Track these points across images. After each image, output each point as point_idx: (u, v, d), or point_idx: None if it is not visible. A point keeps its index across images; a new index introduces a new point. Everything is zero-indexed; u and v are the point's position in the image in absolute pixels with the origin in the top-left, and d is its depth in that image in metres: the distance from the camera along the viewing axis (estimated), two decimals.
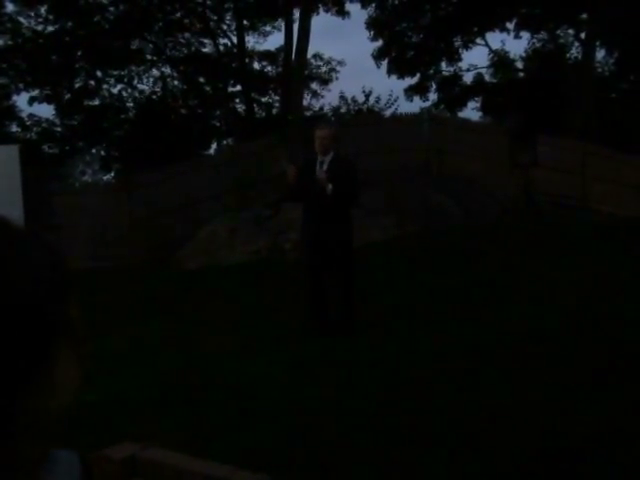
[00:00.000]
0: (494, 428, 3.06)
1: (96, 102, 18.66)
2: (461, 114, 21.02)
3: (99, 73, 18.20)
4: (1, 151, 10.57)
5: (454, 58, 20.76)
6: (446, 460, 2.78)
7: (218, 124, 20.47)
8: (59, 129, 18.25)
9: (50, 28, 16.83)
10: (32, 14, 16.63)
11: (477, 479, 2.64)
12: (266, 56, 20.44)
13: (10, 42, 16.37)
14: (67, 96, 17.89)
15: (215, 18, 18.75)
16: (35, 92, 17.31)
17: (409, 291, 6.10)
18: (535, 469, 2.68)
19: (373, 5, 19.02)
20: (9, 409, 0.50)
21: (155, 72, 19.47)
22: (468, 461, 2.76)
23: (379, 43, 20.28)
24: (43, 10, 16.64)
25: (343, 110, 19.54)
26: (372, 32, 19.91)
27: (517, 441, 2.92)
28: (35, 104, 17.46)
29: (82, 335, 0.55)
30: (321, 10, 18.31)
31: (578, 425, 3.03)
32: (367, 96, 18.95)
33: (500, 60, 20.99)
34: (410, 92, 21.19)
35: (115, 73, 18.52)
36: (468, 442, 2.94)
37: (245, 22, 18.83)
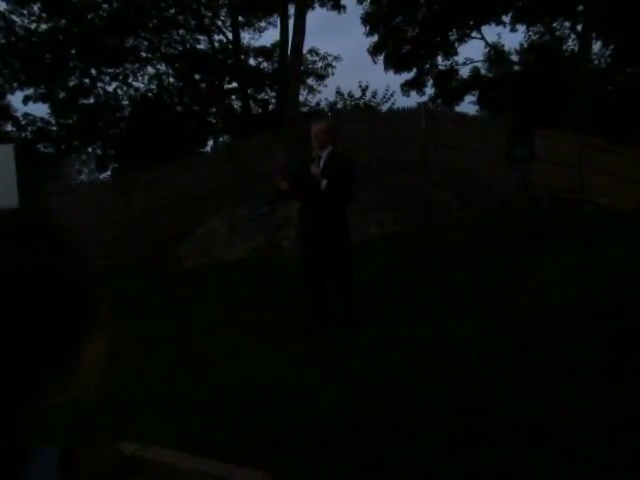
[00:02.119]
0: (497, 422, 3.05)
1: (91, 101, 18.60)
2: (458, 108, 21.04)
3: (94, 71, 18.11)
4: None
5: (450, 52, 20.74)
6: (448, 457, 2.76)
7: (214, 121, 20.42)
8: (54, 128, 18.18)
9: (43, 26, 16.75)
10: (25, 12, 16.53)
11: (480, 474, 2.62)
12: (262, 52, 20.38)
13: (3, 41, 16.28)
14: (62, 95, 17.80)
15: (210, 14, 18.67)
16: (29, 91, 17.26)
17: (408, 286, 6.08)
18: (536, 464, 2.67)
19: (368, 0, 18.96)
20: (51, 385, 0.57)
21: (150, 70, 19.41)
22: (471, 456, 2.74)
23: (375, 38, 20.26)
24: (36, 8, 16.54)
25: (340, 105, 19.50)
26: (367, 27, 19.88)
27: (517, 436, 2.90)
28: (30, 103, 17.40)
29: (107, 319, 0.62)
30: (317, 5, 18.25)
31: (581, 417, 3.01)
32: (364, 91, 18.94)
33: (496, 54, 20.95)
34: (407, 87, 21.18)
35: (110, 71, 18.44)
36: (471, 438, 2.92)
37: (240, 18, 18.75)
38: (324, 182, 4.73)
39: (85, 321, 0.59)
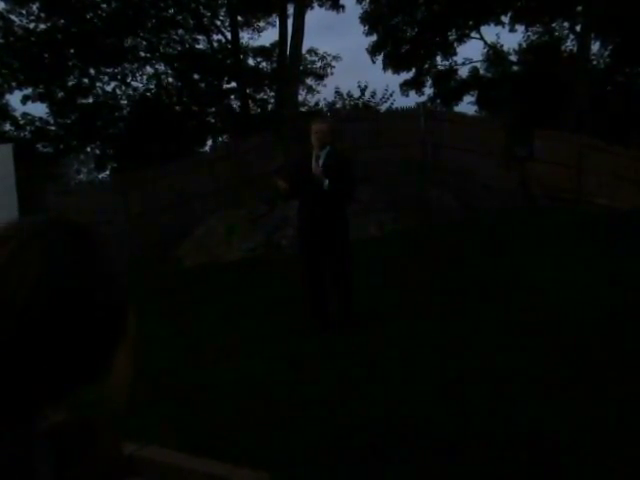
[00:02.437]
0: (497, 422, 3.04)
1: (90, 100, 18.56)
2: (457, 108, 21.03)
3: (92, 71, 18.08)
4: None
5: (449, 52, 20.74)
6: (445, 458, 2.75)
7: (213, 121, 20.39)
8: (53, 128, 18.13)
9: (42, 26, 16.72)
10: (24, 12, 16.50)
11: (479, 474, 2.61)
12: (261, 52, 20.36)
13: (2, 40, 16.24)
14: (60, 94, 17.76)
15: (209, 14, 18.66)
16: (28, 91, 17.22)
17: (407, 286, 6.07)
18: (536, 464, 2.66)
19: None
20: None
21: (149, 69, 19.38)
22: (467, 459, 2.73)
23: (374, 38, 20.27)
24: (35, 8, 16.52)
25: (339, 105, 19.50)
26: (366, 26, 19.88)
27: (517, 436, 2.90)
28: (28, 103, 17.35)
29: (134, 333, 0.64)
30: (316, 5, 18.25)
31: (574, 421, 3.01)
32: (363, 91, 18.92)
33: (495, 54, 20.97)
34: (406, 87, 21.17)
35: (109, 71, 18.40)
36: (469, 440, 2.92)
37: (239, 18, 18.74)
38: (326, 182, 4.71)
39: (117, 331, 0.61)
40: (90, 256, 0.59)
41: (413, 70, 20.89)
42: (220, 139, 20.73)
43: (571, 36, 20.07)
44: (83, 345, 0.57)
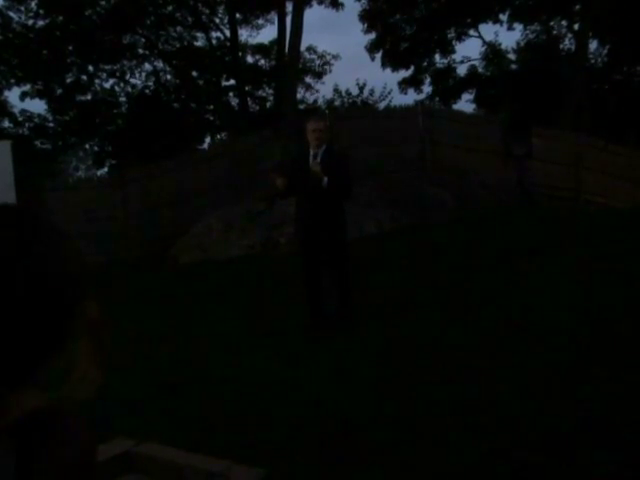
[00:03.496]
0: (495, 421, 3.07)
1: (88, 97, 18.53)
2: (455, 106, 21.06)
3: (91, 68, 18.05)
4: None
5: (447, 50, 20.76)
6: (446, 452, 2.77)
7: (212, 118, 20.37)
8: (51, 124, 18.11)
9: (41, 23, 16.68)
10: (22, 8, 16.47)
11: (478, 470, 2.64)
12: (259, 49, 20.36)
13: (0, 37, 16.21)
14: (59, 91, 17.75)
15: (207, 11, 18.63)
16: (27, 87, 17.19)
17: (405, 284, 6.09)
18: (529, 456, 2.69)
19: None
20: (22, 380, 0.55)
21: (147, 66, 19.35)
22: (468, 452, 2.76)
23: (372, 35, 20.28)
24: (33, 4, 16.48)
25: (337, 103, 19.51)
26: (365, 24, 19.88)
27: (517, 436, 2.93)
28: (27, 99, 17.34)
29: (101, 332, 0.62)
30: (315, 3, 18.23)
31: (571, 415, 3.04)
32: (361, 89, 18.93)
33: (493, 52, 20.98)
34: (404, 85, 21.19)
35: (107, 68, 18.38)
36: (467, 434, 2.94)
37: (237, 15, 18.71)
38: (325, 179, 4.72)
39: (62, 315, 0.57)
40: (28, 238, 0.58)
41: (412, 68, 20.93)
42: (218, 136, 20.74)
43: (569, 35, 20.10)
44: (17, 328, 0.54)
